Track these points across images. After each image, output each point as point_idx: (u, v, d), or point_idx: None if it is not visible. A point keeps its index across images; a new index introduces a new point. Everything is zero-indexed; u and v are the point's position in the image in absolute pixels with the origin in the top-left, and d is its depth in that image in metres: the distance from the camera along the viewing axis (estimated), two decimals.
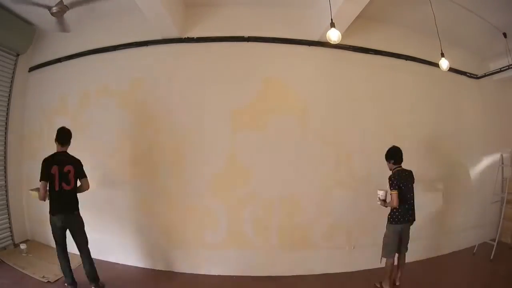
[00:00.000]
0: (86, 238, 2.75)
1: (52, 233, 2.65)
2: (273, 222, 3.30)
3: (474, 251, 3.85)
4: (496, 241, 3.72)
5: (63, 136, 2.67)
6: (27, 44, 3.92)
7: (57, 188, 2.55)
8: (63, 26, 3.19)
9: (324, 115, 3.45)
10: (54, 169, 2.54)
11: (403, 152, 2.86)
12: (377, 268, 3.36)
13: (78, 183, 2.72)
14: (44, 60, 3.98)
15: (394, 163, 2.84)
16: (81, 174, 2.70)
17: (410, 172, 2.87)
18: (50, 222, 2.61)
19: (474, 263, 3.52)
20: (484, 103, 4.41)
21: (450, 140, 4.03)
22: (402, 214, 2.76)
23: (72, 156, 2.70)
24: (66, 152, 2.69)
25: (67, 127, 2.75)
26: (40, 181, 2.56)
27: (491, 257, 3.61)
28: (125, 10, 3.52)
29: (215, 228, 3.29)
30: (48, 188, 2.56)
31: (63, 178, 2.56)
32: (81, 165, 2.71)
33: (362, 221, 3.46)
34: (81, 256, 2.71)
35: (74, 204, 2.67)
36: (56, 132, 2.71)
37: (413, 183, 2.87)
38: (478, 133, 4.29)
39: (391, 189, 2.74)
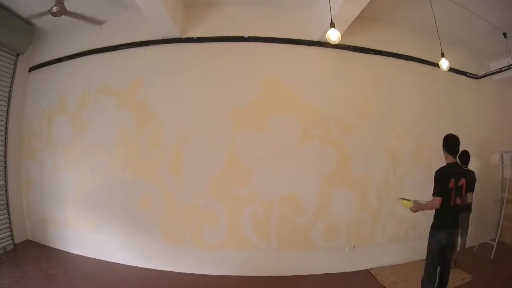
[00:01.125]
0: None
1: (430, 252, 2.38)
2: (273, 222, 3.30)
3: (474, 251, 3.85)
4: (496, 241, 3.73)
5: (452, 144, 2.36)
6: (27, 44, 3.92)
7: (452, 203, 2.26)
8: (92, 20, 3.19)
9: (323, 115, 3.45)
10: (452, 183, 2.26)
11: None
12: (376, 267, 3.38)
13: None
14: (44, 60, 3.98)
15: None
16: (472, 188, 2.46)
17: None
18: (431, 239, 2.36)
19: (474, 263, 3.51)
20: (484, 103, 4.41)
21: None
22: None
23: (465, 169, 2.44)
24: (457, 162, 2.41)
25: (453, 135, 2.36)
26: (433, 195, 2.28)
27: (491, 257, 3.61)
28: (125, 10, 3.53)
29: (215, 228, 3.29)
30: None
31: (457, 192, 2.28)
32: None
33: (362, 221, 3.46)
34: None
35: (458, 220, 2.39)
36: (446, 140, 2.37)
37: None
38: (478, 133, 4.29)
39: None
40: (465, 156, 3.02)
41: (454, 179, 2.26)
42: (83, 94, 3.73)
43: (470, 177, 2.70)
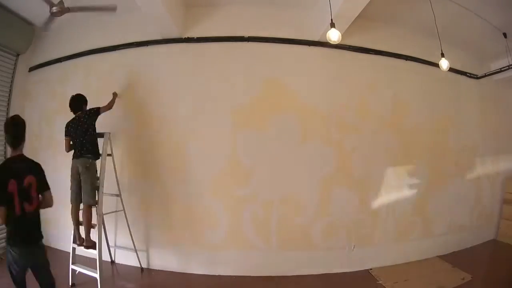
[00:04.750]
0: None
1: None
2: (273, 222, 3.30)
3: (474, 251, 3.85)
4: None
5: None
6: (27, 44, 3.92)
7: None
8: (106, 9, 3.08)
9: (323, 115, 3.45)
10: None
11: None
12: (376, 267, 3.38)
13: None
14: (44, 60, 3.98)
15: None
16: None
17: None
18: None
19: (474, 263, 3.51)
20: (484, 103, 4.42)
21: (449, 140, 4.03)
22: None
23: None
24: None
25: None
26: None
27: (491, 257, 3.61)
28: (125, 10, 3.51)
29: (215, 228, 3.29)
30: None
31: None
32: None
33: (362, 221, 3.46)
34: None
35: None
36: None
37: None
38: (478, 133, 4.29)
39: None
40: None
41: None
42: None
43: None
